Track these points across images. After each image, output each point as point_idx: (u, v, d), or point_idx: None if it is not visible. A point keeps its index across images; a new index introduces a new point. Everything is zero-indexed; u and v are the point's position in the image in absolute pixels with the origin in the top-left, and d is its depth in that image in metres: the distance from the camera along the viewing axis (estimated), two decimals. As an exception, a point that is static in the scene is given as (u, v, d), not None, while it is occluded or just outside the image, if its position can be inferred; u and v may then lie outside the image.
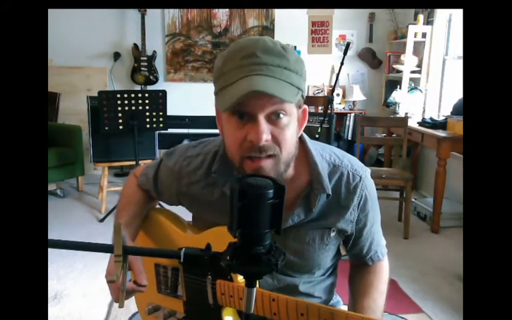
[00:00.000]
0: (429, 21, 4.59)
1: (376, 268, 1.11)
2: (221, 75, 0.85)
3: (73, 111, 4.67)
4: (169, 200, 1.14)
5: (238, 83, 0.81)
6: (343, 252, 1.14)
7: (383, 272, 1.11)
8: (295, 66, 0.84)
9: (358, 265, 1.14)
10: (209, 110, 5.04)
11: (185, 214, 1.17)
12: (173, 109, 4.20)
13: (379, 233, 1.11)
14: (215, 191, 1.02)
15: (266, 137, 0.82)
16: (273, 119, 0.84)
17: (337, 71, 3.26)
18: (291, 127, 0.87)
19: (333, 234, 1.02)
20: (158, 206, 1.25)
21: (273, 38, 5.09)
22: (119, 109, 3.54)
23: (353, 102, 5.24)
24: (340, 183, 1.00)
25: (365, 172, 1.03)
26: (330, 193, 0.97)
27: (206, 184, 1.03)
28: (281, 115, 0.84)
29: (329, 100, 3.37)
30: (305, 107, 0.93)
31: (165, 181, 1.11)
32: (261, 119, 0.82)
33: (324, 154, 1.01)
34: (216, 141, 1.06)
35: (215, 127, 1.17)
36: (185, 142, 1.16)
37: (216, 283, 0.97)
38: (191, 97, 5.18)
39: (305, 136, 1.01)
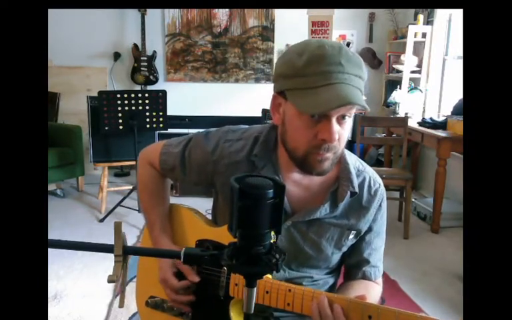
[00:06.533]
0: (428, 21, 4.59)
1: (368, 284, 1.10)
2: (300, 75, 0.88)
3: (73, 110, 4.67)
4: (195, 178, 1.14)
5: (324, 89, 0.86)
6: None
7: (374, 291, 1.10)
8: (365, 74, 0.91)
9: (350, 280, 1.13)
10: (209, 110, 5.05)
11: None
12: (172, 109, 4.20)
13: (380, 254, 1.13)
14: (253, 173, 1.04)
15: (337, 136, 0.90)
16: (340, 119, 0.90)
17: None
18: (349, 127, 0.95)
19: (351, 236, 1.06)
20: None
21: (273, 38, 5.05)
22: (119, 109, 3.54)
23: (353, 102, 5.22)
24: (363, 185, 1.06)
25: (382, 183, 1.11)
26: (357, 190, 1.03)
27: (244, 166, 1.06)
28: (347, 117, 0.91)
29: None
30: None
31: (197, 160, 1.11)
32: (334, 120, 0.89)
33: (351, 158, 1.07)
34: (255, 128, 1.11)
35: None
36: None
37: (231, 274, 1.01)
38: (191, 97, 5.18)
39: None
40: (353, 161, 1.07)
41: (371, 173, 1.09)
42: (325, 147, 0.90)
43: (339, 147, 0.94)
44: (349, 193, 1.02)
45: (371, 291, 1.08)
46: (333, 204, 1.03)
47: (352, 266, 1.12)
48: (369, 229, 1.08)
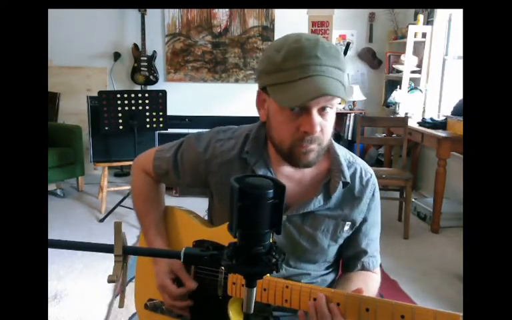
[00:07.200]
0: (428, 21, 4.59)
1: (366, 276, 1.11)
2: (278, 70, 0.90)
3: (73, 110, 4.67)
4: (189, 180, 1.15)
5: (302, 82, 0.88)
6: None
7: (373, 281, 1.11)
8: (343, 65, 0.93)
9: (349, 271, 1.14)
10: (209, 110, 5.05)
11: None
12: (172, 109, 4.20)
13: (376, 244, 1.14)
14: (245, 171, 1.05)
15: (318, 128, 0.91)
16: (321, 111, 0.92)
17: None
18: (332, 118, 0.96)
19: (346, 228, 1.07)
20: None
21: (273, 38, 5.08)
22: (119, 109, 3.54)
23: (353, 102, 5.23)
24: (354, 176, 1.08)
25: (373, 173, 1.12)
26: (349, 180, 1.04)
27: (237, 164, 1.07)
28: (328, 109, 0.93)
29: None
30: None
31: (190, 161, 1.13)
32: (314, 112, 0.90)
33: (341, 150, 1.09)
34: (245, 127, 1.12)
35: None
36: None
37: (228, 274, 1.01)
38: (190, 97, 5.18)
39: None
40: (344, 153, 1.09)
41: (361, 164, 1.11)
42: (308, 139, 0.92)
43: (323, 138, 0.95)
44: (341, 183, 1.04)
45: (369, 282, 1.09)
46: (325, 196, 1.04)
47: (350, 258, 1.13)
48: (364, 220, 1.10)
